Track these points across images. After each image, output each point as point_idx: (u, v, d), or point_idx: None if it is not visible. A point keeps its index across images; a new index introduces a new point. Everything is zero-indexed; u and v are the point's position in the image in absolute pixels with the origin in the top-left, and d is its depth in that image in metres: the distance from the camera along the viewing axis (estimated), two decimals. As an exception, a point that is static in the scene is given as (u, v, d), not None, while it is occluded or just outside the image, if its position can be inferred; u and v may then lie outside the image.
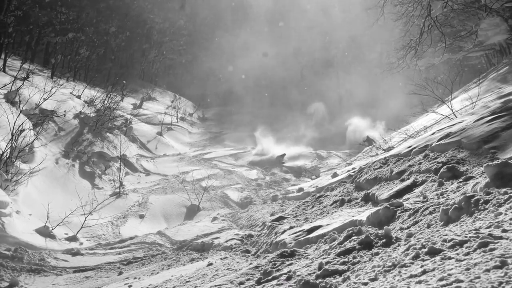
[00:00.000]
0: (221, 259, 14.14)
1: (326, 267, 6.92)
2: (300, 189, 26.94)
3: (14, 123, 23.57)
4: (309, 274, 7.11)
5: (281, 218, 18.82)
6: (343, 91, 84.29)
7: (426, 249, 5.67)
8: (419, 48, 30.36)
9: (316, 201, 19.87)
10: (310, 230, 13.54)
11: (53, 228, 20.33)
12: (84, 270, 16.62)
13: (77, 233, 21.42)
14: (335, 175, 26.41)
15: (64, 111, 36.32)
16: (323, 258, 7.63)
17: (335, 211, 15.83)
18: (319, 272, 6.85)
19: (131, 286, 12.66)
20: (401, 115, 40.59)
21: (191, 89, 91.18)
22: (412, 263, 5.49)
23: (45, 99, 33.85)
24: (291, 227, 15.88)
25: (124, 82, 63.18)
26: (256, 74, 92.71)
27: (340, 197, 17.61)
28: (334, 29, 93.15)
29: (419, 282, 4.68)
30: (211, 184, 33.02)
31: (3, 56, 43.08)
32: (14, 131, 23.43)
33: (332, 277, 6.54)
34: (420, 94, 28.73)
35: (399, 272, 5.35)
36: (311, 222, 15.49)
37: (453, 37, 42.25)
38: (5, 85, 33.20)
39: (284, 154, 41.00)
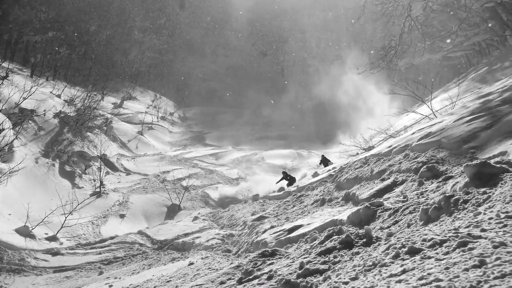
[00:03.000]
0: (202, 258, 14.14)
1: (307, 266, 6.93)
2: (281, 189, 26.99)
3: (-6, 122, 23.42)
4: (290, 273, 7.12)
5: (262, 218, 18.84)
6: (324, 90, 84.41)
7: (406, 249, 5.70)
8: (399, 48, 30.49)
9: (297, 201, 19.91)
10: (291, 230, 13.56)
11: (33, 228, 20.23)
12: (64, 270, 16.57)
13: (57, 233, 21.32)
14: (315, 174, 26.46)
15: (44, 110, 36.11)
16: (304, 258, 7.64)
17: (316, 211, 15.87)
18: (300, 272, 6.86)
19: (111, 286, 12.62)
20: (382, 115, 40.70)
21: (172, 88, 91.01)
22: (392, 263, 5.52)
23: (24, 98, 33.64)
24: (272, 227, 15.90)
25: (105, 81, 63.04)
26: (237, 74, 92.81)
27: (321, 197, 17.65)
28: (315, 28, 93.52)
29: (399, 281, 4.71)
30: (192, 183, 33.03)
31: (-18, 55, 42.77)
32: (-7, 131, 23.29)
33: (313, 276, 6.55)
34: (400, 94, 28.86)
35: (380, 271, 5.37)
36: (292, 222, 15.52)
37: (433, 37, 42.56)
38: (-16, 84, 33.01)
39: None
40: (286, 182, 32.25)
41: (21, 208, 21.49)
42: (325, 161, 35.22)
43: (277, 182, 32.74)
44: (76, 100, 45.47)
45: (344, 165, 21.22)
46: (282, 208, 19.68)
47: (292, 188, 24.76)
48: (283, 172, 33.89)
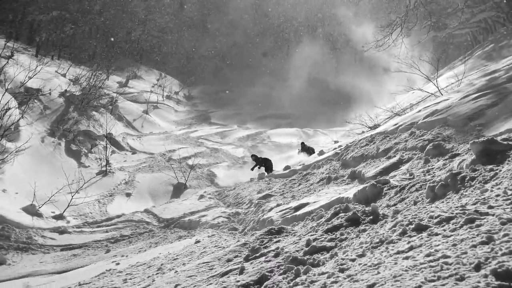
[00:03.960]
0: (208, 236, 14.18)
1: (314, 243, 6.95)
2: (287, 167, 26.98)
3: (-1, 102, 23.44)
4: (297, 250, 7.15)
5: (268, 196, 18.86)
6: (329, 67, 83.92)
7: (413, 226, 5.71)
8: (404, 26, 30.32)
9: (303, 179, 19.91)
10: (297, 208, 13.58)
11: (40, 206, 20.31)
12: (72, 248, 16.64)
13: (64, 211, 21.41)
14: (321, 152, 26.42)
15: (49, 90, 36.13)
16: (311, 235, 7.66)
17: (322, 189, 15.88)
18: (307, 249, 6.88)
19: (118, 263, 12.68)
20: (387, 93, 40.55)
21: (177, 67, 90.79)
22: (399, 240, 5.53)
23: (30, 78, 33.67)
24: (278, 205, 15.92)
25: (110, 60, 62.92)
26: (240, 52, 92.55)
27: (327, 175, 17.66)
28: (321, 7, 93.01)
29: (406, 258, 4.72)
30: (197, 162, 33.02)
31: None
32: (-1, 110, 23.32)
33: (320, 253, 6.57)
34: (406, 72, 28.76)
35: (386, 248, 5.38)
36: (298, 200, 15.55)
37: (439, 15, 42.32)
38: (-11, 64, 33.04)
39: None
40: (261, 167, 30.41)
41: (27, 187, 21.55)
42: (306, 149, 33.14)
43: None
44: (81, 79, 45.43)
45: (350, 143, 21.18)
46: (288, 186, 19.69)
47: (298, 167, 24.71)
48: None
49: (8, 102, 24.69)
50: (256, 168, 30.41)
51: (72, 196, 22.34)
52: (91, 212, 23.07)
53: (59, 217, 20.80)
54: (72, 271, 13.49)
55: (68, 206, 21.86)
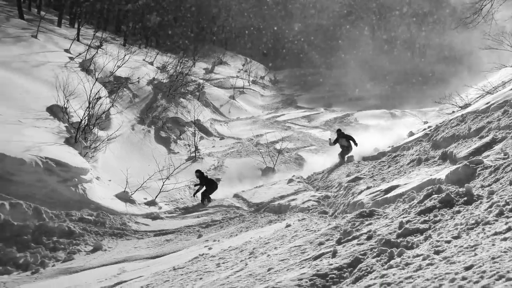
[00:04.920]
0: (298, 220, 14.17)
1: (407, 226, 6.87)
2: (376, 149, 26.66)
3: (91, 91, 23.98)
4: (390, 233, 7.08)
5: (357, 179, 18.75)
6: (417, 47, 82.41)
7: (510, 206, 5.57)
8: (494, 1, 29.42)
9: (392, 161, 19.71)
10: (388, 190, 13.46)
11: (133, 193, 20.73)
12: (165, 234, 16.91)
13: (156, 197, 21.81)
14: (411, 134, 26.04)
15: (138, 78, 36.89)
16: (403, 217, 7.57)
17: (412, 170, 15.69)
18: (399, 231, 6.81)
19: (211, 248, 12.82)
20: (478, 71, 39.50)
21: (262, 52, 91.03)
22: (496, 221, 5.40)
23: (119, 67, 34.38)
24: (368, 187, 15.81)
25: (196, 47, 63.61)
26: (326, 34, 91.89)
27: (417, 156, 17.43)
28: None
29: (504, 239, 4.60)
30: (285, 146, 32.94)
31: (76, 26, 43.93)
32: (90, 99, 23.86)
33: (413, 235, 6.49)
34: (497, 49, 27.96)
35: (483, 229, 5.27)
36: (388, 182, 15.40)
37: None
38: (80, 54, 33.92)
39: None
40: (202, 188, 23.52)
41: (119, 174, 22.02)
42: (343, 138, 26.88)
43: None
44: (168, 66, 46.17)
45: (440, 123, 20.82)
46: (377, 168, 19.53)
47: (387, 149, 24.44)
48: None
49: (98, 91, 25.25)
50: (200, 191, 23.61)
51: (163, 183, 22.69)
52: (182, 198, 23.44)
53: (151, 203, 21.20)
54: (165, 256, 13.72)
55: (160, 192, 22.23)
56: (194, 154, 30.72)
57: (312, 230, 11.01)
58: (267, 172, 28.90)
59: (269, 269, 7.83)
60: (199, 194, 23.54)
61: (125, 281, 10.94)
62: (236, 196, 22.94)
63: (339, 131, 27.62)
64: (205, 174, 24.01)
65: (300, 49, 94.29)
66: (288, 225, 13.20)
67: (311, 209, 17.75)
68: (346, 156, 26.41)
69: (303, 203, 18.90)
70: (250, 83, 67.03)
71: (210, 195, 23.07)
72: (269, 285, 6.59)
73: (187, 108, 39.89)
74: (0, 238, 13.56)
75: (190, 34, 75.08)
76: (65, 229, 15.09)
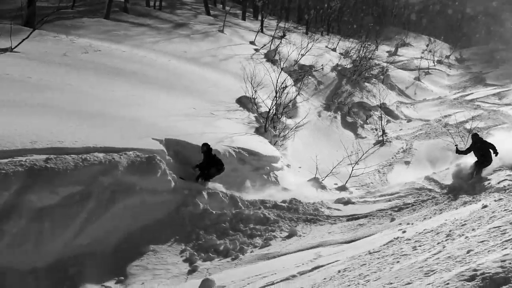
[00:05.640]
0: (495, 200, 13.74)
1: None
2: None
3: (277, 80, 24.46)
4: None
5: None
6: None
7: None
8: None
9: None
10: None
11: (323, 179, 20.94)
12: (357, 218, 16.88)
13: (346, 182, 21.87)
14: None
15: (322, 65, 37.17)
16: None
17: None
18: None
19: (405, 231, 12.70)
20: None
21: (446, 30, 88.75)
22: None
23: (302, 55, 34.86)
24: None
25: (378, 29, 63.15)
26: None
27: None
28: None
29: None
30: (475, 126, 31.79)
31: (260, 18, 45.04)
32: (277, 89, 24.36)
33: None
34: None
35: None
36: None
37: None
38: (265, 45, 34.78)
39: None
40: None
41: (308, 160, 22.32)
42: (481, 145, 20.06)
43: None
44: (351, 52, 46.16)
45: None
46: None
47: None
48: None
49: (284, 80, 25.69)
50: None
51: (353, 167, 22.68)
52: (372, 182, 23.35)
53: (342, 188, 21.30)
54: (359, 240, 13.75)
55: (350, 177, 22.26)
56: (381, 138, 30.51)
57: (511, 211, 10.61)
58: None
59: (468, 251, 7.65)
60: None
61: (322, 266, 11.09)
62: (427, 178, 22.37)
63: (475, 136, 20.66)
64: (213, 152, 16.44)
65: (485, 25, 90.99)
66: (484, 206, 12.84)
67: (507, 189, 17.01)
68: (484, 169, 20.03)
69: (498, 183, 18.14)
70: (435, 63, 65.56)
71: (210, 178, 16.62)
72: (470, 267, 6.44)
73: (372, 92, 39.67)
74: (200, 226, 14.22)
75: (371, 18, 74.44)
76: (261, 216, 15.55)
